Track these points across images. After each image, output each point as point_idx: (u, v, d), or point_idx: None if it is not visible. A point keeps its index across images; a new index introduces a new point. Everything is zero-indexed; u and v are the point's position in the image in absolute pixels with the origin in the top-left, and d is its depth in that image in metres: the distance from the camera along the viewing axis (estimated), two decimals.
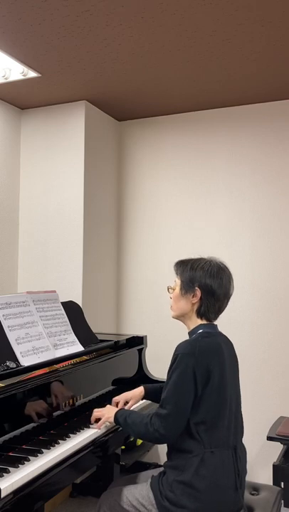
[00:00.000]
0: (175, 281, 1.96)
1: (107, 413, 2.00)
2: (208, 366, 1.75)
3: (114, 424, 1.99)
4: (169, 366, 1.81)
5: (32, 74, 2.82)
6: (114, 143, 3.63)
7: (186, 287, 1.89)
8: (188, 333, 1.91)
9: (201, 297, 1.86)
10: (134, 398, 2.17)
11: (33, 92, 3.11)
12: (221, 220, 3.36)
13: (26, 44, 2.47)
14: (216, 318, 1.92)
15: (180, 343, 1.81)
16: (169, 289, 1.98)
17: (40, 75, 2.83)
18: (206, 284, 1.86)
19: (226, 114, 3.38)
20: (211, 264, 1.89)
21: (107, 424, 2.04)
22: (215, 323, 1.93)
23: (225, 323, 3.30)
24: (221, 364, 1.79)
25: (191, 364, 1.73)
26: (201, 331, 1.86)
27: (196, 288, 1.86)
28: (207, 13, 2.18)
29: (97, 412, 2.05)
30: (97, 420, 2.04)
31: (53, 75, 2.84)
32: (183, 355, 1.75)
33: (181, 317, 1.94)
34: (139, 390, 2.19)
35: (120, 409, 2.01)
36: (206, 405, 1.74)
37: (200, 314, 1.89)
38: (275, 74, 2.83)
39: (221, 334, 1.93)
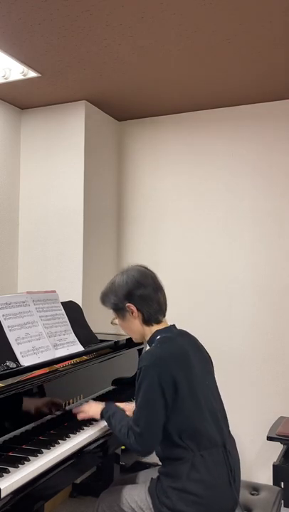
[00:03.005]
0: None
1: (93, 409, 2.01)
2: (172, 373, 1.72)
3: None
4: (136, 377, 1.78)
5: (32, 74, 2.82)
6: (114, 143, 3.63)
7: (121, 311, 1.91)
8: (147, 342, 1.90)
9: (137, 308, 1.87)
10: (130, 412, 2.12)
11: (33, 92, 3.11)
12: (221, 220, 3.36)
13: (26, 44, 2.46)
14: (164, 314, 1.92)
15: (143, 354, 1.82)
16: (113, 321, 2.00)
17: (40, 75, 2.83)
18: (132, 295, 1.86)
19: (226, 114, 3.38)
20: (124, 276, 1.90)
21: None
22: (170, 323, 1.92)
23: (225, 323, 3.32)
24: (186, 367, 1.77)
25: (156, 375, 1.71)
26: (158, 337, 1.85)
27: (128, 304, 1.87)
28: (207, 13, 2.18)
29: (82, 414, 2.03)
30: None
31: (53, 75, 2.84)
32: (146, 368, 1.73)
33: (141, 337, 1.94)
34: (132, 406, 2.15)
35: (106, 404, 1.99)
36: (182, 413, 1.72)
37: (147, 322, 1.89)
38: (274, 74, 2.83)
39: (180, 334, 1.91)
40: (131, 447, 1.76)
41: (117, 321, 1.97)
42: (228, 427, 1.89)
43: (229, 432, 1.88)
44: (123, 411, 1.93)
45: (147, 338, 1.91)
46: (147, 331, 1.90)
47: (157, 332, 1.87)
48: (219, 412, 1.85)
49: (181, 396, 1.72)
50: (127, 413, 2.08)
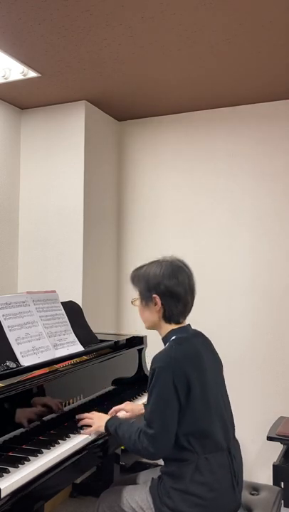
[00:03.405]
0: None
1: (97, 421, 1.95)
2: (186, 374, 1.69)
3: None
4: (148, 379, 1.75)
5: (32, 74, 2.82)
6: (114, 143, 3.63)
7: (145, 298, 1.85)
8: (162, 339, 1.86)
9: (162, 303, 1.81)
10: (132, 412, 2.11)
11: (33, 92, 3.11)
12: (221, 220, 3.36)
13: (26, 44, 2.46)
14: (185, 317, 1.87)
15: (156, 355, 1.75)
16: (133, 302, 1.93)
17: (40, 75, 2.83)
18: (162, 288, 1.79)
19: (226, 114, 3.38)
20: (163, 266, 1.83)
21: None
22: (187, 323, 1.88)
23: (225, 323, 3.32)
24: (200, 368, 1.75)
25: (170, 377, 1.67)
26: (174, 337, 1.81)
27: (154, 296, 1.81)
28: (207, 13, 2.18)
29: (86, 420, 1.99)
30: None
31: (53, 75, 2.84)
32: (160, 369, 1.69)
33: (152, 327, 1.89)
34: (140, 407, 2.13)
35: (111, 418, 1.94)
36: (191, 416, 1.70)
37: (166, 319, 1.84)
38: (275, 74, 2.83)
39: (195, 335, 1.88)
40: (144, 451, 1.71)
41: (137, 302, 1.90)
42: (234, 430, 1.87)
43: (234, 435, 1.87)
44: (128, 421, 1.89)
45: (162, 334, 1.86)
46: (163, 327, 1.85)
47: (173, 332, 1.83)
48: (227, 415, 1.83)
49: (193, 398, 1.69)
50: (130, 414, 2.09)
